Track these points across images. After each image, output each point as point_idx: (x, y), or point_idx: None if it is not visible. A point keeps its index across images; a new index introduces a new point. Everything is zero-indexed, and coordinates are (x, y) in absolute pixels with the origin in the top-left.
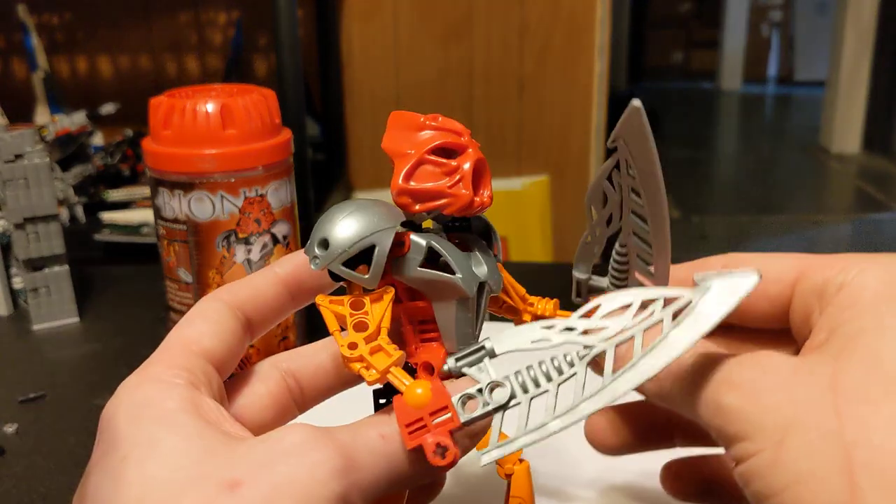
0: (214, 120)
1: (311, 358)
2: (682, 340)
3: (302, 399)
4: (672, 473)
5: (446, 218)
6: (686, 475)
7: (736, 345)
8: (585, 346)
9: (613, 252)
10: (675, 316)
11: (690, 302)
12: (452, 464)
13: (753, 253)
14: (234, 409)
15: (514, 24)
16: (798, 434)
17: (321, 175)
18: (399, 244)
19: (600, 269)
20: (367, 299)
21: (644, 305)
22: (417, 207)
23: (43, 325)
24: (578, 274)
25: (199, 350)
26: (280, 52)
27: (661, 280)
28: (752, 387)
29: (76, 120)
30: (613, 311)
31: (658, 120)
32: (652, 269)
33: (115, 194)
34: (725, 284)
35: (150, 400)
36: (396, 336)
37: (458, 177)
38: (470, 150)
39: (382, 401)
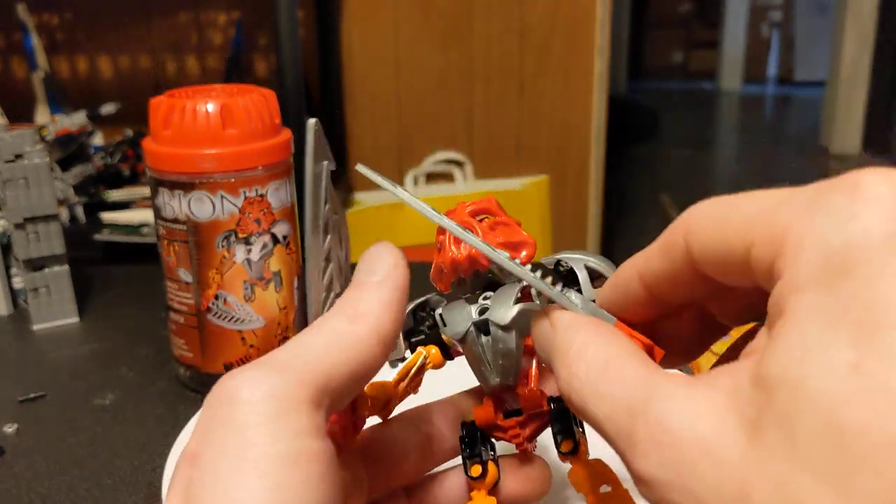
0: (214, 120)
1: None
2: None
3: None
4: None
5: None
6: None
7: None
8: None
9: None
10: None
11: None
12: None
13: (718, 206)
14: None
15: (514, 24)
16: None
17: None
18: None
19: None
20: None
21: None
22: (441, 286)
23: (43, 325)
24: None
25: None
26: (280, 52)
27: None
28: (640, 475)
29: (76, 120)
30: None
31: (658, 120)
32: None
33: (115, 194)
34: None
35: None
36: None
37: (441, 247)
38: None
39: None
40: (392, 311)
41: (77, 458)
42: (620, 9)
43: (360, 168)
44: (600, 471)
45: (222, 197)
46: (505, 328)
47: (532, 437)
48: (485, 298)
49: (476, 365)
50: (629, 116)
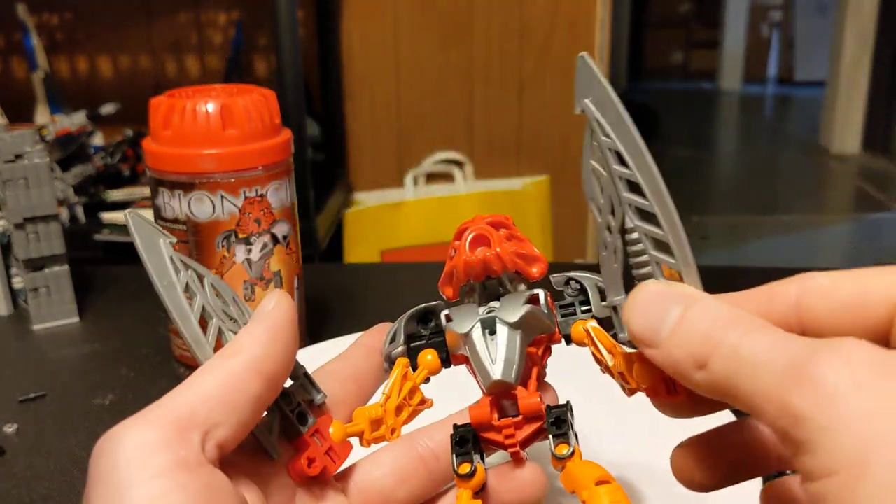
0: (214, 120)
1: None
2: None
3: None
4: (690, 459)
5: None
6: (708, 458)
7: None
8: None
9: (627, 242)
10: None
11: None
12: None
13: (837, 272)
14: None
15: (514, 24)
16: (884, 462)
17: (321, 175)
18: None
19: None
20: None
21: None
22: (450, 292)
23: (43, 325)
24: (612, 299)
25: None
26: (280, 52)
27: (683, 262)
28: (830, 386)
29: (76, 120)
30: None
31: (658, 120)
32: (670, 256)
33: (115, 194)
34: None
35: None
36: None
37: (455, 252)
38: (470, 227)
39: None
40: (266, 343)
41: (77, 458)
42: (620, 9)
43: (584, 57)
44: (594, 467)
45: (222, 197)
46: (512, 325)
47: (526, 444)
48: (488, 311)
49: (479, 362)
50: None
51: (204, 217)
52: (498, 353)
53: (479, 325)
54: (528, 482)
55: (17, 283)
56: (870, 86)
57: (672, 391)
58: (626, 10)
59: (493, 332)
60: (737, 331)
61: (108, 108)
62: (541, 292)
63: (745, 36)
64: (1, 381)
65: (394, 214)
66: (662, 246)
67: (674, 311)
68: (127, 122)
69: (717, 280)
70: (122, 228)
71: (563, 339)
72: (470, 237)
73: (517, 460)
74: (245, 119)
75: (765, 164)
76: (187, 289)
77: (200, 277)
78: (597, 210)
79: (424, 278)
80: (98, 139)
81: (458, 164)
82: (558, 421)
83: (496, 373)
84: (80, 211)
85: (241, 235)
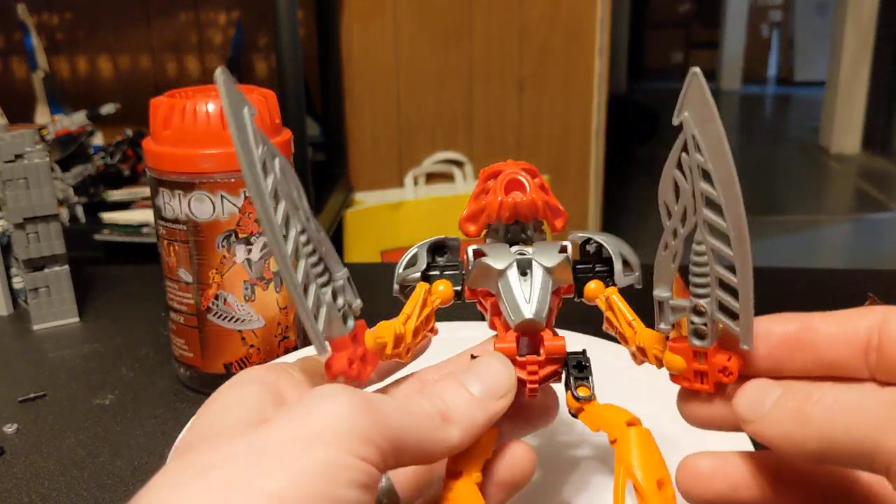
0: (214, 120)
1: None
2: None
3: None
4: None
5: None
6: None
7: None
8: None
9: (691, 254)
10: None
11: None
12: None
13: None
14: None
15: (514, 24)
16: None
17: (321, 175)
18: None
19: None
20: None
21: None
22: (472, 229)
23: (43, 325)
24: (659, 293)
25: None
26: (280, 52)
27: (744, 295)
28: None
29: (76, 120)
30: None
31: (658, 120)
32: (733, 277)
33: (115, 194)
34: None
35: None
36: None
37: (489, 192)
38: (505, 170)
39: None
40: (479, 434)
41: (77, 458)
42: (620, 9)
43: (697, 75)
44: (622, 409)
45: (222, 197)
46: (548, 269)
47: (544, 381)
48: (520, 253)
49: (512, 299)
50: (629, 116)
51: (204, 217)
52: (532, 294)
53: (515, 263)
54: (520, 457)
55: (17, 283)
56: (870, 86)
57: (701, 381)
58: (626, 10)
59: (524, 274)
60: (834, 389)
61: (108, 108)
62: (568, 245)
63: (745, 36)
64: (1, 381)
65: (394, 214)
66: (724, 261)
67: (775, 390)
68: (127, 122)
69: None
70: (123, 228)
71: (574, 294)
72: (506, 180)
73: (533, 396)
74: None
75: (765, 164)
76: (263, 166)
77: (273, 156)
78: (666, 213)
79: None
80: (98, 139)
81: (458, 164)
82: (580, 365)
83: (529, 311)
84: (80, 211)
85: (241, 235)
